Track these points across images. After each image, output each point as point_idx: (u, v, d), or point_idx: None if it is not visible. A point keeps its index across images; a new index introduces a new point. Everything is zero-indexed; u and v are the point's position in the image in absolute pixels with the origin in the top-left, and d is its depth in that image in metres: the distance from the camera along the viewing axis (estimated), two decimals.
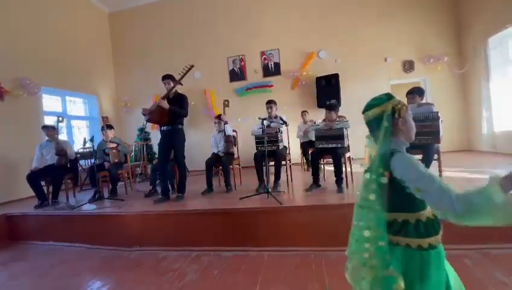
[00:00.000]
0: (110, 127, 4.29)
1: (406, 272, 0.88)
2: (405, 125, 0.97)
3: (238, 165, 4.13)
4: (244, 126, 5.97)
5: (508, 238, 2.16)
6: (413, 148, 2.83)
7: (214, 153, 3.96)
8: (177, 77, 3.30)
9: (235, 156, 4.09)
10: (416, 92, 3.01)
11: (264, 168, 3.27)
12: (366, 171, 0.96)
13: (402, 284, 0.84)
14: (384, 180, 0.89)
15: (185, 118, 3.48)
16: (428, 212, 0.92)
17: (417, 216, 0.91)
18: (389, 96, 1.00)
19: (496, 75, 4.95)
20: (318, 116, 5.40)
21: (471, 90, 5.62)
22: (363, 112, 1.04)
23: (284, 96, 6.20)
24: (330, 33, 6.17)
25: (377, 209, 0.88)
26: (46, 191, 3.90)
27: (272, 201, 2.76)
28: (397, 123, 0.96)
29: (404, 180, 0.88)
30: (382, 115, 0.96)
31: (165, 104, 3.19)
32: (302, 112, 5.15)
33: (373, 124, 1.00)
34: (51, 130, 4.04)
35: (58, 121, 3.99)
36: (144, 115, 3.43)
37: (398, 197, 0.91)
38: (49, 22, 5.59)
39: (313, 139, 3.56)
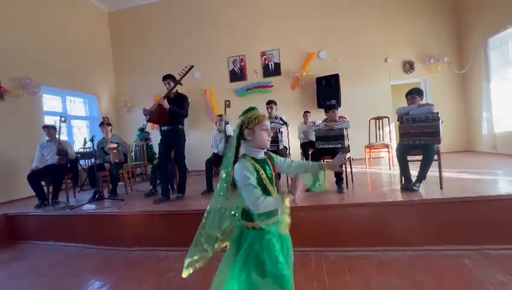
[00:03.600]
0: (108, 124, 4.30)
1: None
2: (251, 135, 1.18)
3: None
4: None
5: (508, 239, 2.16)
6: (413, 149, 2.83)
7: (214, 153, 3.97)
8: (178, 77, 3.31)
9: None
10: (415, 93, 3.00)
11: None
12: (222, 169, 1.22)
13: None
14: (230, 178, 1.17)
15: (185, 118, 3.49)
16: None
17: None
18: (244, 112, 1.24)
19: (496, 76, 4.95)
20: (318, 116, 5.40)
21: (471, 90, 5.62)
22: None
23: (284, 96, 6.20)
24: (330, 33, 6.17)
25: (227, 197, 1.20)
26: (46, 191, 3.91)
27: None
28: (243, 133, 1.19)
29: (237, 180, 1.14)
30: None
31: (166, 104, 3.19)
32: (305, 112, 5.15)
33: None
34: (52, 130, 4.04)
35: (61, 121, 3.98)
36: (144, 115, 3.43)
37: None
38: (49, 22, 5.59)
39: (314, 139, 3.56)
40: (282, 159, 1.36)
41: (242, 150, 1.21)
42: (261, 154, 1.23)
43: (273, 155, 1.32)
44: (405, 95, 3.09)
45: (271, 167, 1.23)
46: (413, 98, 2.98)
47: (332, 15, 6.16)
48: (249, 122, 1.18)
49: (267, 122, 1.23)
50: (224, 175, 1.19)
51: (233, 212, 1.23)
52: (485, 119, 5.14)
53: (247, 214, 1.18)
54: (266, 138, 1.21)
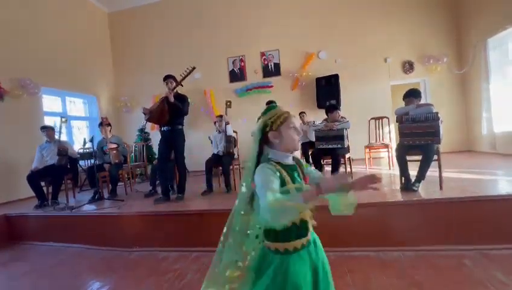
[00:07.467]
0: (107, 125, 4.30)
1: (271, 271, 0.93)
2: (277, 138, 0.96)
3: (238, 166, 4.13)
4: (244, 127, 5.97)
5: (508, 239, 2.16)
6: (413, 149, 2.83)
7: (214, 154, 3.97)
8: (179, 78, 3.30)
9: (235, 156, 4.09)
10: (412, 95, 2.99)
11: None
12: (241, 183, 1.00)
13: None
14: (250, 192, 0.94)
15: (184, 119, 3.48)
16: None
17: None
18: (264, 111, 1.02)
19: (496, 76, 4.95)
20: (318, 116, 5.40)
21: (470, 91, 5.62)
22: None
23: (284, 97, 6.19)
24: (330, 34, 6.17)
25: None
26: (46, 192, 3.90)
27: None
28: (267, 136, 0.97)
29: (256, 185, 0.89)
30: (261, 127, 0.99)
31: (171, 98, 3.19)
32: (300, 113, 5.15)
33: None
34: (51, 131, 4.04)
35: (62, 121, 3.97)
36: (144, 114, 3.43)
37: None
38: (49, 22, 5.59)
39: (313, 139, 3.56)
40: (313, 168, 1.10)
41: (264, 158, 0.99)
42: (289, 159, 0.99)
43: (303, 162, 1.07)
44: (402, 97, 3.08)
45: (301, 176, 1.00)
46: (410, 101, 2.98)
47: (331, 15, 6.16)
48: (273, 122, 0.97)
49: (294, 120, 1.00)
50: (244, 189, 0.97)
51: (256, 234, 0.99)
52: (485, 119, 5.14)
53: (269, 233, 0.96)
54: (296, 138, 0.98)
